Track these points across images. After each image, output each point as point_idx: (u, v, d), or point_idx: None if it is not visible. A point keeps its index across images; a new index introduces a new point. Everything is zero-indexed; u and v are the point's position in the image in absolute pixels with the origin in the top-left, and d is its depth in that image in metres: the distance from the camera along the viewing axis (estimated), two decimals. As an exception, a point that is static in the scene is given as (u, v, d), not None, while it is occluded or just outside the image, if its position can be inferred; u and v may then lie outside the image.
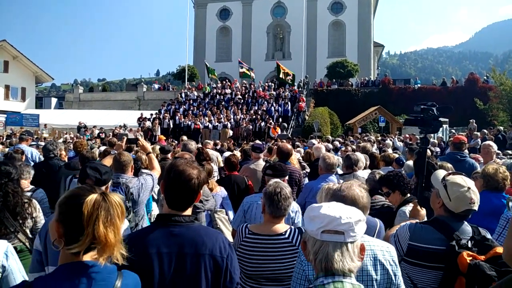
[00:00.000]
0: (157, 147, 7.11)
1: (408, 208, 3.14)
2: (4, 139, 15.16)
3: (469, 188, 2.20)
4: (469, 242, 2.11)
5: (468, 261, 1.96)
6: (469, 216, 2.25)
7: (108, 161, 3.96)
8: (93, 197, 1.46)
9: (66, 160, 5.99)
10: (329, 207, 1.46)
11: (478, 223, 2.35)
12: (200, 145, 6.96)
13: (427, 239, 2.24)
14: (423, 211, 2.78)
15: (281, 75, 26.37)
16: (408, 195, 3.32)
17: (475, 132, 14.23)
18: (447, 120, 18.83)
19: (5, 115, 26.10)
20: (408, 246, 2.30)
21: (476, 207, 2.21)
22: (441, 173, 2.38)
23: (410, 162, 5.53)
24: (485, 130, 15.00)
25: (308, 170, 6.47)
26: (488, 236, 2.23)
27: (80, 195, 1.46)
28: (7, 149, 8.68)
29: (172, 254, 1.79)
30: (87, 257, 1.46)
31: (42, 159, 6.98)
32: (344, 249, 1.40)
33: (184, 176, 1.87)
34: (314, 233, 1.41)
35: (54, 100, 45.56)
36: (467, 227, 2.25)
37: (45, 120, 26.37)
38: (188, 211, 1.92)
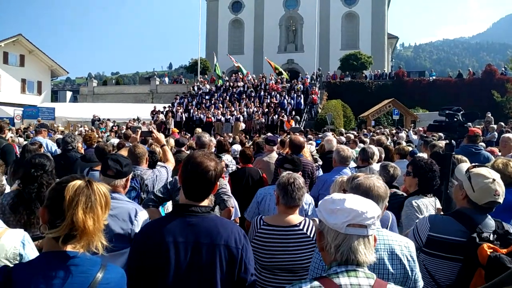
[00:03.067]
0: (171, 140, 7.16)
1: (415, 199, 3.07)
2: (22, 132, 15.48)
3: (494, 179, 2.17)
4: (492, 235, 2.09)
5: (489, 253, 1.94)
6: (493, 209, 2.22)
7: (123, 154, 4.01)
8: (76, 183, 1.44)
9: (83, 153, 6.08)
10: (353, 200, 1.45)
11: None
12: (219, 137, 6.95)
13: (447, 230, 2.23)
14: None
15: (278, 70, 26.67)
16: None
17: (492, 125, 13.94)
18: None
19: (22, 109, 26.58)
20: (428, 237, 2.29)
21: (501, 200, 2.17)
22: (465, 165, 2.36)
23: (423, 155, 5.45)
24: (502, 123, 14.68)
25: (320, 162, 6.46)
26: None
27: (66, 181, 1.45)
28: (25, 142, 8.87)
29: (188, 244, 1.81)
30: (69, 247, 1.43)
31: (57, 149, 7.12)
32: (367, 242, 1.41)
33: (201, 168, 1.88)
34: (338, 226, 1.41)
35: (69, 94, 46.25)
36: (490, 221, 2.22)
37: (61, 114, 26.77)
38: (205, 202, 1.94)
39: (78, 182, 1.45)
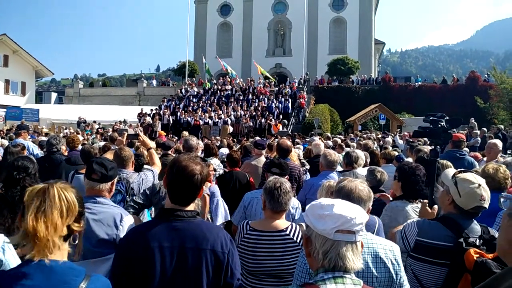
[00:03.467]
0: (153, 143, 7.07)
1: (397, 204, 3.08)
2: (4, 134, 15.15)
3: (479, 185, 2.20)
4: (478, 240, 2.12)
5: (475, 258, 1.96)
6: (479, 214, 2.25)
7: (109, 156, 3.95)
8: (36, 187, 1.41)
9: (67, 155, 5.97)
10: (342, 206, 1.44)
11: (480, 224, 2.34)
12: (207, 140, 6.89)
13: (435, 235, 2.25)
14: (432, 211, 2.69)
15: (264, 75, 26.79)
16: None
17: (475, 131, 14.21)
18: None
19: (5, 110, 26.06)
20: (416, 242, 2.31)
21: (486, 205, 2.20)
22: (451, 171, 2.39)
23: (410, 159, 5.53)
24: (485, 129, 14.98)
25: (307, 167, 6.47)
26: (497, 235, 2.22)
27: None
28: (7, 143, 8.67)
29: (174, 249, 1.79)
30: (28, 254, 1.38)
31: (40, 152, 6.97)
32: (354, 248, 1.40)
33: (187, 172, 1.86)
34: (327, 232, 1.39)
35: (54, 95, 45.52)
36: (476, 226, 2.25)
37: (45, 115, 26.31)
38: (191, 206, 1.92)
39: (38, 187, 1.42)
